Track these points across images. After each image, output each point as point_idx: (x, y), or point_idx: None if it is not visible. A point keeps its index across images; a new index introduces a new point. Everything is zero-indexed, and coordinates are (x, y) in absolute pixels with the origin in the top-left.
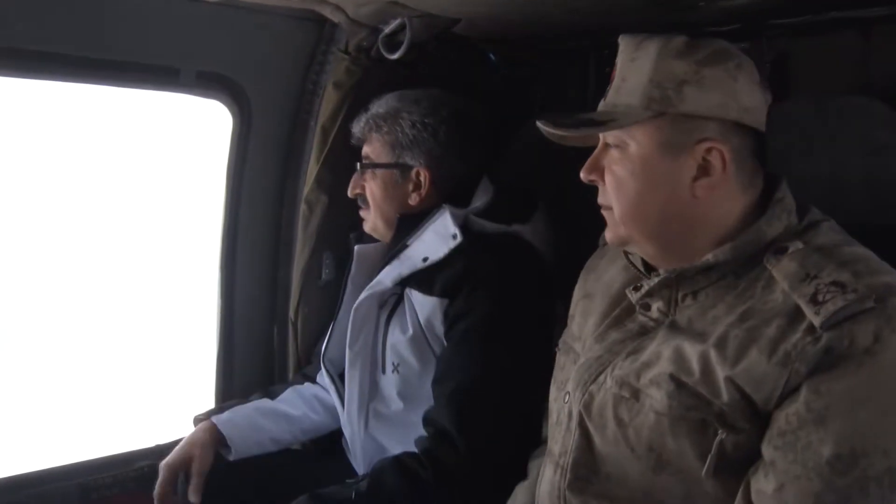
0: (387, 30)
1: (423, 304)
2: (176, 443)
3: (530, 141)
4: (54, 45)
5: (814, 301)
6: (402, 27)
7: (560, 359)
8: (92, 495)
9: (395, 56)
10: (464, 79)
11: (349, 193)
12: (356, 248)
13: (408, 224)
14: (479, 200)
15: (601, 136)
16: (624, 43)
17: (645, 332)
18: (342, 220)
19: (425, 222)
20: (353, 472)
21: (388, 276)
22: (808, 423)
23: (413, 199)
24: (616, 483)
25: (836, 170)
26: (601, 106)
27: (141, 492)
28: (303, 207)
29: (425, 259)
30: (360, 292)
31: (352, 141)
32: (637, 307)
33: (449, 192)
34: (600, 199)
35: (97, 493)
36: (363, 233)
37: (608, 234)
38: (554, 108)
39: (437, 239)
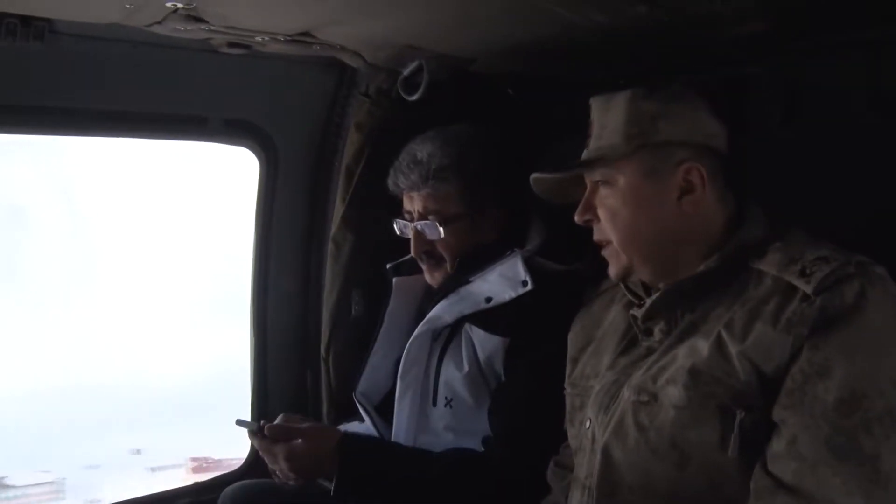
0: (405, 72)
1: (484, 342)
2: (214, 481)
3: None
4: (84, 102)
5: (803, 274)
6: (419, 69)
7: (572, 399)
8: None
9: (415, 97)
10: (483, 115)
11: (413, 254)
12: (395, 280)
13: (471, 261)
14: (536, 237)
15: (588, 179)
16: (595, 102)
17: (652, 353)
18: (369, 258)
19: (492, 263)
20: None
21: (447, 312)
22: (812, 377)
23: (486, 238)
24: (640, 493)
25: (847, 191)
26: (585, 154)
27: None
28: (330, 246)
29: (489, 300)
30: (399, 325)
31: (394, 192)
32: (640, 334)
33: (514, 227)
34: (596, 237)
35: None
36: (400, 265)
37: (612, 270)
38: (572, 138)
39: (503, 282)
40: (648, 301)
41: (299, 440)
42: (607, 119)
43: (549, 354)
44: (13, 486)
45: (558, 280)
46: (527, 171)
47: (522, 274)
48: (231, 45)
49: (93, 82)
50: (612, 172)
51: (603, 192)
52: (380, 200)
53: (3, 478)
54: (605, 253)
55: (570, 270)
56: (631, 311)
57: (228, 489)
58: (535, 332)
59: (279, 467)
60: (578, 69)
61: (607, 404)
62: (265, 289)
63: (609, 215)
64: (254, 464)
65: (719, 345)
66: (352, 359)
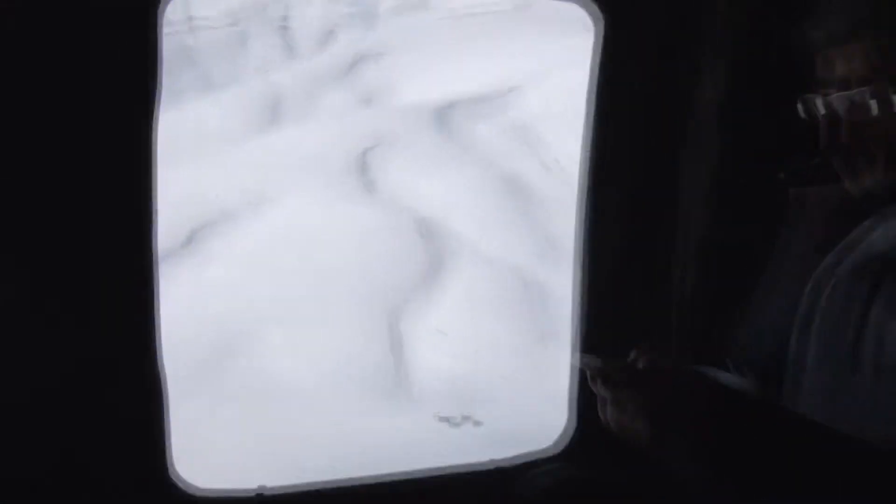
0: None
1: None
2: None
3: None
4: None
5: None
6: None
7: None
8: None
9: None
10: None
11: (827, 146)
12: (793, 191)
13: None
14: None
15: None
16: None
17: None
18: (752, 159)
19: None
20: None
21: (883, 238)
22: None
23: None
24: None
25: None
26: None
27: None
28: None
29: None
30: (800, 255)
31: (808, 49)
32: None
33: None
34: None
35: None
36: (798, 171)
37: None
38: None
39: None
40: None
41: (659, 385)
42: None
43: None
44: (480, 423)
45: None
46: None
47: None
48: None
49: None
50: None
51: None
52: (768, 78)
53: (469, 415)
54: None
55: None
56: None
57: (533, 476)
58: None
59: (626, 419)
60: None
61: None
62: (599, 188)
63: None
64: (576, 446)
65: None
66: (721, 296)
